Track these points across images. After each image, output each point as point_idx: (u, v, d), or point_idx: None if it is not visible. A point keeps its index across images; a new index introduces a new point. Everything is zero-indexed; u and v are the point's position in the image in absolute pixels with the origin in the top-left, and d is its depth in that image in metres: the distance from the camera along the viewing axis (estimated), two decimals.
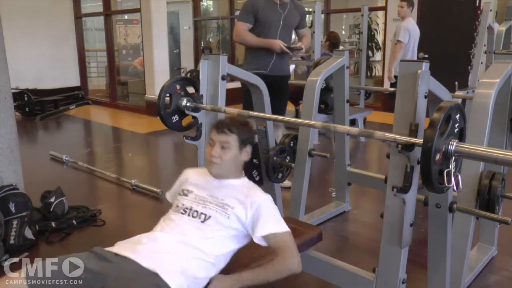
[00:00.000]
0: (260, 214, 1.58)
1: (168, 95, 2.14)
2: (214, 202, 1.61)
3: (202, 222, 1.57)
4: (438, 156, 1.29)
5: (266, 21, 3.17)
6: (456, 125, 1.38)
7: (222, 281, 1.49)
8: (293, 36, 3.54)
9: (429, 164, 1.26)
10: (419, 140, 1.38)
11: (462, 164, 1.83)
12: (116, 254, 1.49)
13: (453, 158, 1.34)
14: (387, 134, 1.49)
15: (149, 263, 1.43)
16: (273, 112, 2.60)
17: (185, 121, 2.23)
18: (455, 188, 1.36)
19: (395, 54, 4.97)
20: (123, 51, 8.18)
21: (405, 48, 4.90)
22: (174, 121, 2.17)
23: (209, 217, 1.58)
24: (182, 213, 1.63)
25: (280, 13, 3.21)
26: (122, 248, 1.53)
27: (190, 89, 2.25)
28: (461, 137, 1.43)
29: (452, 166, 1.34)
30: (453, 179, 1.34)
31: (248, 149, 1.72)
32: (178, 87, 2.14)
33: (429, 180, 1.29)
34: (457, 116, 1.37)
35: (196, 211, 1.60)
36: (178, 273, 1.43)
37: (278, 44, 3.16)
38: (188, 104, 2.16)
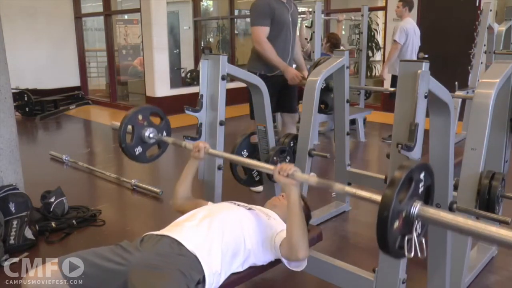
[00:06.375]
0: None
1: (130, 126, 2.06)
2: None
3: None
4: (397, 224, 1.08)
5: (280, 21, 3.11)
6: (421, 185, 1.16)
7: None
8: None
9: (385, 234, 1.06)
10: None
11: (461, 166, 1.82)
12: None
13: (416, 222, 1.13)
14: None
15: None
16: (284, 110, 2.50)
17: (150, 152, 2.17)
18: (419, 254, 1.14)
19: (390, 54, 4.99)
20: (123, 51, 8.18)
21: (403, 48, 4.90)
22: (137, 153, 2.10)
23: None
24: None
25: (288, 11, 3.18)
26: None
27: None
28: (428, 195, 1.22)
29: (415, 232, 1.13)
30: (417, 245, 1.13)
31: None
32: (140, 117, 2.07)
33: (386, 248, 1.09)
34: (421, 176, 1.16)
35: None
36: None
37: (294, 74, 3.10)
38: (151, 135, 2.10)
